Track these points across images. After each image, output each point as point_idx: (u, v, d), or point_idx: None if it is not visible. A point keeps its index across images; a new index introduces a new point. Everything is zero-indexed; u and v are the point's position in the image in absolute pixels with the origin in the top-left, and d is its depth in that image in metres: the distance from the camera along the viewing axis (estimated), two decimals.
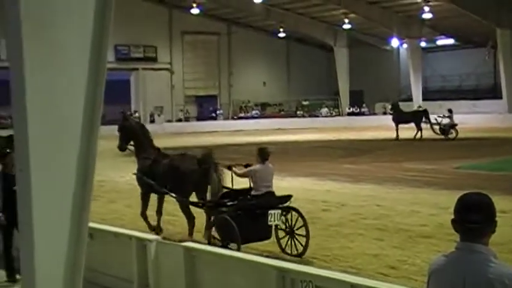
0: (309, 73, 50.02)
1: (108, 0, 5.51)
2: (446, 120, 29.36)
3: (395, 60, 49.80)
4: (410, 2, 38.89)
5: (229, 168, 9.82)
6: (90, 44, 5.60)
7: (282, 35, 48.54)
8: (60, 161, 5.71)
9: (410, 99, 43.08)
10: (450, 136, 29.02)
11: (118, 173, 19.00)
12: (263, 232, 9.02)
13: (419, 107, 36.07)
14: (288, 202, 9.35)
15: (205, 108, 48.31)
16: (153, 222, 10.55)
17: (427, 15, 38.83)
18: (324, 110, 48.59)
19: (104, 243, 8.02)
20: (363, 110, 47.66)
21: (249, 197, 9.26)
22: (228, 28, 48.92)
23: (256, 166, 9.42)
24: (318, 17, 45.23)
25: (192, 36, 47.61)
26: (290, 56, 51.80)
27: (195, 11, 43.05)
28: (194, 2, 42.24)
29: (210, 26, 47.13)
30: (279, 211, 9.11)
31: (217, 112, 47.84)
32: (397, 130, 30.45)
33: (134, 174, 10.76)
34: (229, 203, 9.10)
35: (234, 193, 9.49)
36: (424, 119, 30.04)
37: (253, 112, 48.59)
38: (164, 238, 8.03)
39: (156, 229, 10.30)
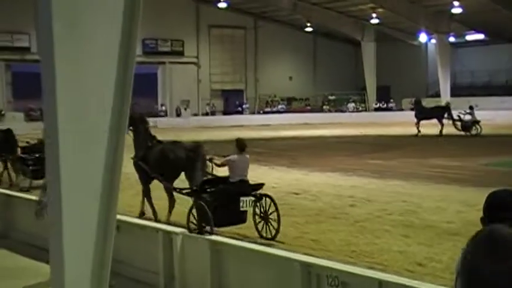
0: (335, 68, 49.80)
1: None
2: (468, 117, 29.19)
3: (423, 56, 49.29)
4: None
5: (210, 160, 10.74)
6: (119, 39, 5.64)
7: (308, 29, 48.35)
8: (88, 155, 5.78)
9: (438, 95, 42.65)
10: (473, 132, 28.83)
11: None
12: (237, 217, 9.62)
13: (448, 103, 35.67)
14: (260, 189, 9.97)
15: (232, 102, 48.40)
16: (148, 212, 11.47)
17: (457, 10, 38.35)
18: (351, 105, 48.35)
19: (130, 236, 8.10)
20: (389, 105, 47.31)
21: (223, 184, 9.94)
22: (254, 22, 48.88)
23: (234, 156, 10.02)
24: (345, 12, 44.96)
25: (219, 30, 47.68)
26: (317, 51, 51.60)
27: (222, 5, 43.11)
28: None
29: (236, 20, 47.15)
30: (251, 198, 9.67)
31: (243, 106, 47.88)
32: (417, 126, 30.27)
33: (132, 158, 11.34)
34: (208, 190, 9.69)
35: (216, 180, 10.20)
36: (446, 115, 29.83)
37: (279, 106, 48.54)
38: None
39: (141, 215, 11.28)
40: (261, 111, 47.90)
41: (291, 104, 49.53)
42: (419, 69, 48.88)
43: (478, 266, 2.47)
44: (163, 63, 45.60)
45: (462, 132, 28.96)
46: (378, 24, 44.19)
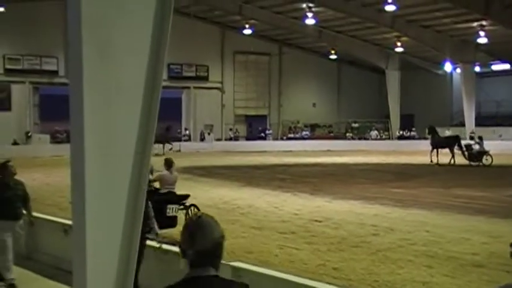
0: (359, 95, 49.78)
1: (165, 23, 5.65)
2: (476, 147, 29.46)
3: (448, 85, 49.07)
4: (465, 26, 38.36)
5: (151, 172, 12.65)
6: (147, 64, 5.74)
7: (333, 56, 48.49)
8: (113, 178, 5.84)
9: (463, 124, 42.34)
10: (485, 163, 29.00)
11: None
12: (166, 221, 11.18)
13: (472, 132, 35.57)
14: (187, 199, 12.31)
15: (255, 127, 48.53)
16: None
17: (482, 40, 38.21)
18: (374, 133, 48.19)
19: (152, 259, 8.10)
20: (412, 133, 47.06)
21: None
22: (279, 49, 49.17)
23: (164, 172, 12.41)
24: (370, 40, 45.05)
25: (244, 56, 48.03)
26: (341, 78, 51.68)
27: (247, 31, 43.48)
28: (247, 23, 42.67)
29: (261, 47, 47.48)
30: (177, 205, 11.97)
31: (267, 132, 47.97)
32: (431, 154, 30.71)
33: None
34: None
35: (149, 191, 11.59)
36: (456, 146, 30.22)
37: (303, 133, 48.54)
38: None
39: None
40: (284, 137, 47.93)
41: (314, 131, 49.50)
42: (444, 98, 48.64)
43: None
44: (188, 87, 45.99)
45: (472, 163, 29.28)
46: (402, 52, 44.18)
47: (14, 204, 8.81)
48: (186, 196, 12.46)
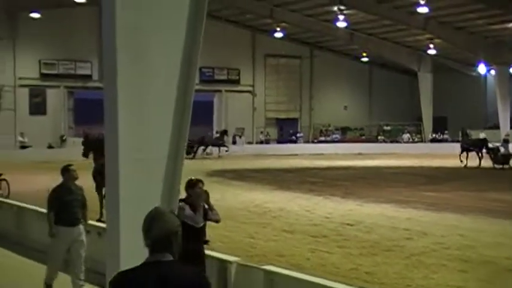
0: (391, 98, 49.36)
1: (198, 28, 5.70)
2: (502, 150, 29.92)
3: (482, 87, 48.36)
4: (500, 28, 37.80)
5: None
6: (179, 68, 5.80)
7: (364, 59, 48.18)
8: (147, 181, 5.91)
9: (497, 126, 41.69)
10: None
11: None
12: None
13: (507, 135, 35.12)
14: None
15: (286, 131, 48.47)
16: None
17: None
18: (406, 136, 47.74)
19: None
20: (445, 136, 46.50)
21: None
22: (310, 51, 49.05)
23: None
24: (402, 42, 44.68)
25: (275, 59, 48.04)
26: (372, 81, 51.34)
27: (278, 34, 43.49)
28: (278, 26, 42.69)
29: (292, 50, 47.43)
30: None
31: (298, 135, 47.86)
32: (460, 156, 30.75)
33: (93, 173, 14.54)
34: None
35: None
36: (484, 149, 30.39)
37: (334, 136, 48.32)
38: None
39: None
40: (315, 140, 47.77)
41: (345, 134, 49.25)
42: (478, 100, 47.93)
43: None
44: (220, 91, 46.16)
45: (496, 166, 29.33)
46: (435, 55, 43.72)
47: (73, 210, 8.41)
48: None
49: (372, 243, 11.83)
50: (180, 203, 6.81)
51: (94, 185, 14.10)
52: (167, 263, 3.20)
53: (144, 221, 3.29)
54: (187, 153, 38.00)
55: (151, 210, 3.36)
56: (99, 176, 13.41)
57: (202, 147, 38.67)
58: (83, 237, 8.51)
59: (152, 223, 3.24)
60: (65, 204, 8.36)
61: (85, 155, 15.50)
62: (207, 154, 38.61)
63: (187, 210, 7.00)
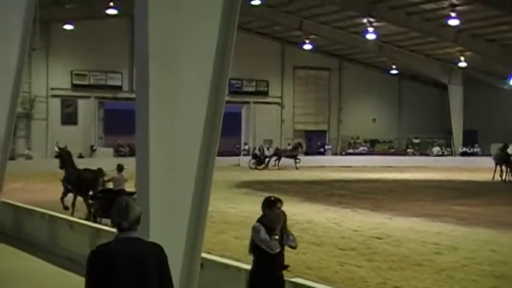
0: (420, 111, 48.95)
1: (229, 40, 5.74)
2: None
3: None
4: None
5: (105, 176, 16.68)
6: (210, 80, 5.83)
7: (394, 71, 47.92)
8: (177, 192, 5.93)
9: None
10: None
11: (228, 204, 19.33)
12: None
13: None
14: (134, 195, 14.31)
15: (314, 142, 48.35)
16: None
17: None
18: (436, 149, 47.23)
19: (212, 274, 8.15)
20: (475, 150, 45.91)
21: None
22: (339, 64, 48.94)
23: (115, 174, 16.17)
24: (432, 55, 44.32)
25: (304, 71, 48.03)
26: (402, 93, 50.98)
27: (307, 46, 43.50)
28: (307, 38, 42.71)
29: (321, 62, 47.38)
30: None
31: (326, 147, 47.70)
32: (494, 170, 30.64)
33: (60, 180, 17.74)
34: (98, 195, 16.00)
35: (105, 190, 16.17)
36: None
37: (361, 148, 48.04)
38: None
39: (70, 209, 16.65)
40: (343, 153, 47.54)
41: (374, 146, 48.93)
42: (509, 113, 47.23)
43: None
44: (248, 102, 46.29)
45: None
46: (465, 67, 43.25)
47: None
48: (133, 193, 14.16)
49: (401, 257, 11.70)
50: (256, 224, 6.22)
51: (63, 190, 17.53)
52: (137, 238, 4.26)
53: (118, 209, 4.27)
54: (259, 163, 38.71)
55: (121, 201, 4.38)
56: (66, 182, 17.46)
57: (274, 159, 39.43)
58: None
59: (128, 210, 4.24)
60: None
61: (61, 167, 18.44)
62: (275, 166, 39.01)
63: (263, 234, 6.17)
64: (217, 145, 6.12)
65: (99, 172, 16.78)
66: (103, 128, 43.28)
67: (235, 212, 18.01)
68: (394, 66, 47.04)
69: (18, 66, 10.01)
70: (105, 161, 37.61)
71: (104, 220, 14.37)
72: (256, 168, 38.09)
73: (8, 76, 10.00)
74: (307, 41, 42.89)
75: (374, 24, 37.21)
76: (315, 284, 7.65)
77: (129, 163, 33.14)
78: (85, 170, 17.60)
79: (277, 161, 39.44)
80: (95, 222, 14.16)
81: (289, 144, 44.28)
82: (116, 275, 4.08)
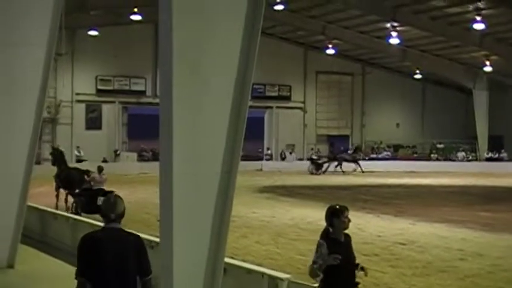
0: (444, 115, 48.51)
1: (252, 45, 5.76)
2: None
3: None
4: None
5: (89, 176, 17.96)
6: (234, 85, 5.85)
7: (418, 76, 47.59)
8: (200, 196, 5.95)
9: None
10: None
11: (250, 209, 19.34)
12: (97, 208, 12.30)
13: None
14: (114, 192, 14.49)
15: (337, 147, 48.17)
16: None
17: None
18: (461, 154, 46.77)
19: (235, 279, 8.16)
20: (501, 155, 45.37)
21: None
22: (362, 68, 48.76)
23: (96, 175, 17.55)
24: (456, 59, 43.93)
25: (326, 76, 47.92)
26: (425, 98, 50.59)
27: (330, 51, 43.41)
28: (330, 43, 42.63)
29: (344, 66, 47.24)
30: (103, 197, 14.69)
31: (349, 152, 47.47)
32: None
33: (54, 176, 19.76)
34: (82, 193, 17.41)
35: (87, 189, 17.39)
36: None
37: (385, 153, 47.75)
38: None
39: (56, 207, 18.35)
40: (366, 158, 47.28)
41: (397, 151, 48.61)
42: None
43: None
44: (271, 107, 46.30)
45: None
46: (491, 72, 42.80)
47: None
48: (112, 191, 14.23)
49: (425, 264, 11.61)
50: (320, 241, 5.66)
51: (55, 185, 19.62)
52: (120, 228, 5.14)
53: (107, 203, 5.21)
54: (317, 168, 38.75)
55: (110, 197, 5.39)
56: (57, 178, 19.59)
57: (335, 164, 39.51)
58: None
59: (115, 204, 5.16)
60: None
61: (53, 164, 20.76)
62: (341, 170, 39.05)
63: (324, 249, 5.62)
64: (240, 150, 6.14)
65: (85, 172, 18.62)
66: (127, 132, 43.60)
67: (256, 216, 18.01)
68: (418, 71, 46.73)
69: (44, 72, 10.15)
70: (128, 165, 38.05)
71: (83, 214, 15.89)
72: (316, 174, 37.94)
73: (34, 82, 10.14)
74: (330, 46, 42.80)
75: (397, 28, 37.01)
76: None
77: (152, 167, 33.34)
78: (73, 168, 20.24)
79: (338, 166, 39.41)
80: (76, 215, 15.90)
81: (349, 149, 44.30)
82: (101, 257, 4.95)
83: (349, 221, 5.82)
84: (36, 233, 13.95)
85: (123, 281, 4.98)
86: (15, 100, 10.10)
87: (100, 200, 13.81)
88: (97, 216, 11.69)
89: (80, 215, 15.65)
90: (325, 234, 5.71)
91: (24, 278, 10.07)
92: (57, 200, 19.28)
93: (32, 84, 10.13)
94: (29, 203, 13.30)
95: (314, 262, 5.65)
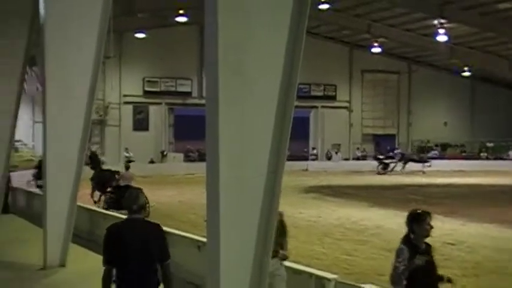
0: (494, 114, 47.50)
1: (297, 46, 5.75)
2: None
3: None
4: None
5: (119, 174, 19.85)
6: (279, 86, 5.86)
7: (466, 73, 46.72)
8: (246, 197, 5.98)
9: None
10: None
11: (297, 209, 19.30)
12: None
13: None
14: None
15: (383, 147, 47.69)
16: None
17: None
18: None
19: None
20: None
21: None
22: (408, 66, 48.18)
23: (123, 172, 19.60)
24: (507, 56, 42.98)
25: (372, 74, 47.53)
26: (474, 96, 49.65)
27: (376, 49, 43.01)
28: (376, 41, 42.24)
29: (390, 65, 46.77)
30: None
31: (395, 151, 46.92)
32: None
33: (90, 179, 20.58)
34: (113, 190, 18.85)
35: (116, 186, 18.83)
36: None
37: (433, 152, 47.02)
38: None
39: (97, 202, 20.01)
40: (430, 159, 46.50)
41: (445, 150, 47.82)
42: None
43: None
44: (316, 107, 46.17)
45: None
46: None
47: None
48: (139, 188, 15.96)
49: (475, 264, 11.40)
50: (401, 246, 5.49)
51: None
52: (143, 219, 5.66)
53: (130, 197, 5.66)
54: (384, 168, 38.63)
55: (132, 191, 5.91)
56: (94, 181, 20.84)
57: (401, 163, 39.30)
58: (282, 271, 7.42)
59: (137, 197, 5.63)
60: None
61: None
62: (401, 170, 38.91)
63: (406, 254, 5.47)
64: (286, 151, 6.14)
65: (116, 172, 20.22)
66: (173, 133, 44.11)
67: (303, 217, 17.97)
68: (466, 68, 45.89)
69: (93, 75, 10.36)
70: (175, 166, 38.49)
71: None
72: (383, 173, 37.68)
73: (84, 84, 10.35)
74: (375, 44, 42.42)
75: (445, 25, 36.40)
76: None
77: (199, 167, 33.44)
78: (106, 170, 21.48)
79: (404, 165, 39.07)
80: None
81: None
82: (126, 245, 5.38)
83: (432, 227, 5.62)
84: (85, 232, 14.23)
85: (146, 266, 5.43)
86: (66, 103, 10.34)
87: None
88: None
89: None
90: (406, 239, 5.56)
91: (75, 276, 10.30)
92: (94, 202, 20.18)
93: (82, 88, 10.36)
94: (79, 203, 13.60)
95: (395, 268, 5.45)
